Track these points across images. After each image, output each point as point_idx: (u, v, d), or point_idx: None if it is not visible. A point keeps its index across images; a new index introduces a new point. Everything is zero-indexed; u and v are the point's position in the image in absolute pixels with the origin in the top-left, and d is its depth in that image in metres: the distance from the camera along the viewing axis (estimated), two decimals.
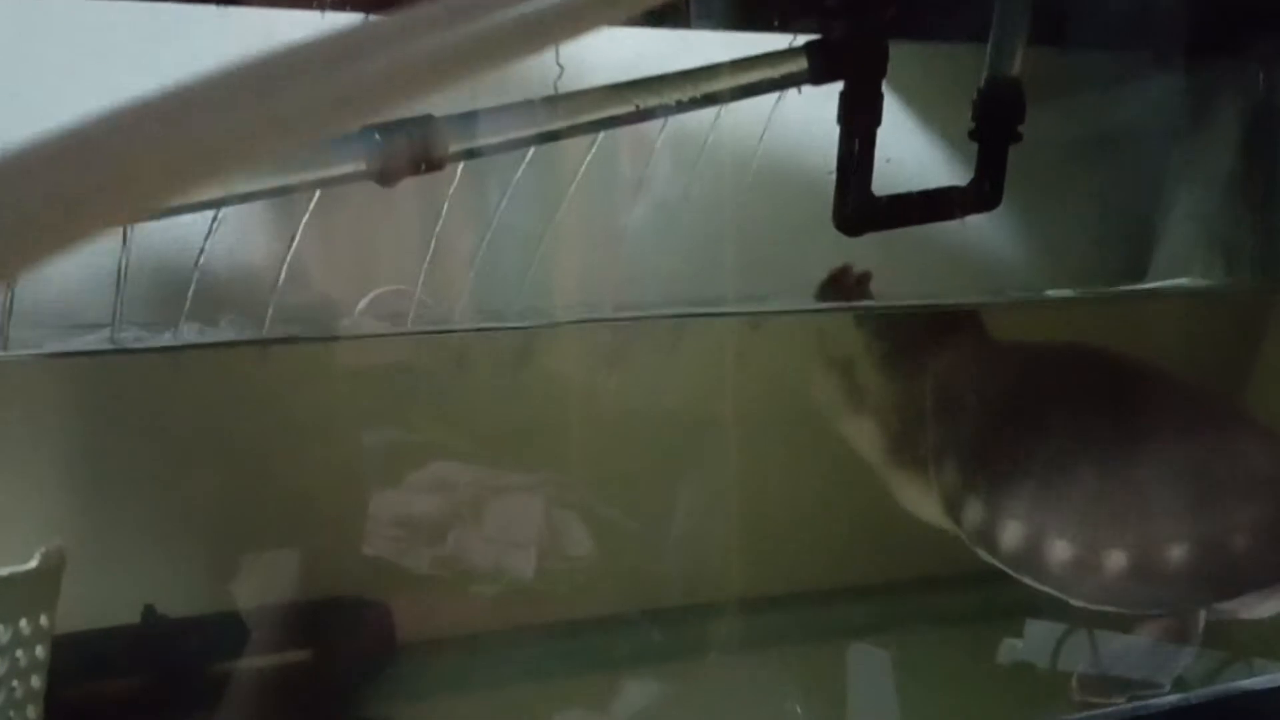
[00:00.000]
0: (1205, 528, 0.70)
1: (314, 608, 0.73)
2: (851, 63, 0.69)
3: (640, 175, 0.73)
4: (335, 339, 0.67)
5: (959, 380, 0.79)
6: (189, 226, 0.60)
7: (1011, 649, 0.82)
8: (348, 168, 0.58)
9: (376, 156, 0.58)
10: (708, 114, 0.70)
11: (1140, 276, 1.01)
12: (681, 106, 0.66)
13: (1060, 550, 0.71)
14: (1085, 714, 0.68)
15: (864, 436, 0.81)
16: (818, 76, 0.69)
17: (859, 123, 0.70)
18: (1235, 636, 0.74)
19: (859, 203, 0.71)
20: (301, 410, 0.72)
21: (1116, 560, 0.70)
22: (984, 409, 0.77)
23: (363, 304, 0.69)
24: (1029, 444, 0.74)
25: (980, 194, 0.74)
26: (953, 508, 0.75)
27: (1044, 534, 0.71)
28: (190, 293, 0.60)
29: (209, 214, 0.60)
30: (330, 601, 0.74)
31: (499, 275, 0.72)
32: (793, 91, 0.72)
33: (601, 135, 0.66)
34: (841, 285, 0.78)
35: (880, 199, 0.72)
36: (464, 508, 0.77)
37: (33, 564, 0.53)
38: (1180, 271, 1.00)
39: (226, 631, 0.71)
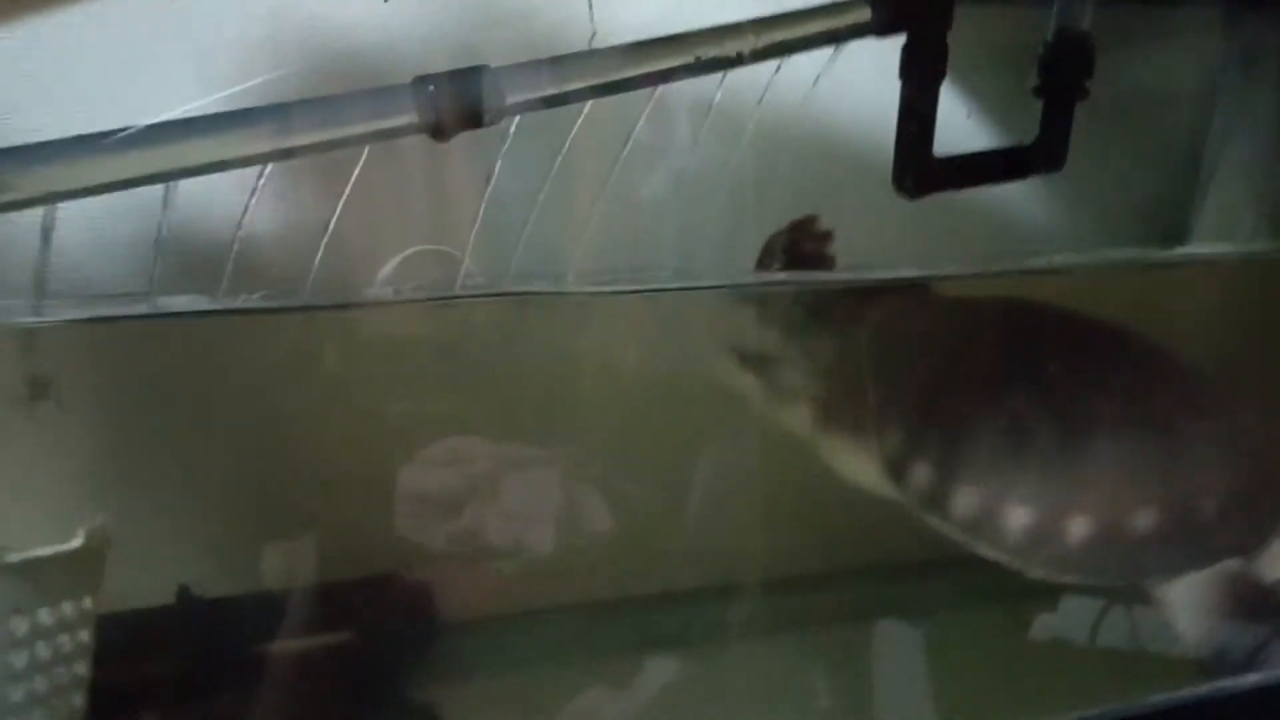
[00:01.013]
0: (1173, 492, 0.67)
1: (353, 587, 0.71)
2: (916, 13, 0.65)
3: (685, 142, 0.72)
4: (379, 304, 0.63)
5: (901, 336, 0.75)
6: (212, 191, 0.58)
7: (1047, 625, 0.79)
8: (398, 120, 0.55)
9: (429, 108, 0.55)
10: (740, 84, 0.67)
11: (1183, 240, 0.99)
12: (742, 59, 0.63)
13: (1019, 516, 0.67)
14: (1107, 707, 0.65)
15: (788, 402, 0.75)
16: (881, 27, 0.65)
17: (922, 77, 0.67)
18: None
19: (920, 163, 0.68)
20: (344, 382, 0.69)
21: (1079, 527, 0.66)
22: (930, 367, 0.73)
23: (390, 265, 0.66)
24: (981, 404, 0.70)
25: (1046, 153, 0.71)
26: (897, 472, 0.70)
27: (1001, 499, 0.67)
28: (231, 259, 0.57)
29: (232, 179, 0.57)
30: (370, 580, 0.72)
31: (540, 242, 0.69)
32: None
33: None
34: (800, 241, 0.73)
35: (942, 159, 0.69)
36: (489, 483, 0.74)
37: (75, 543, 0.50)
38: (1226, 234, 0.98)
39: (264, 612, 0.69)
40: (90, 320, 0.54)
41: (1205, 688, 0.65)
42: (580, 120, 0.66)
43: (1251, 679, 0.65)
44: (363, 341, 0.68)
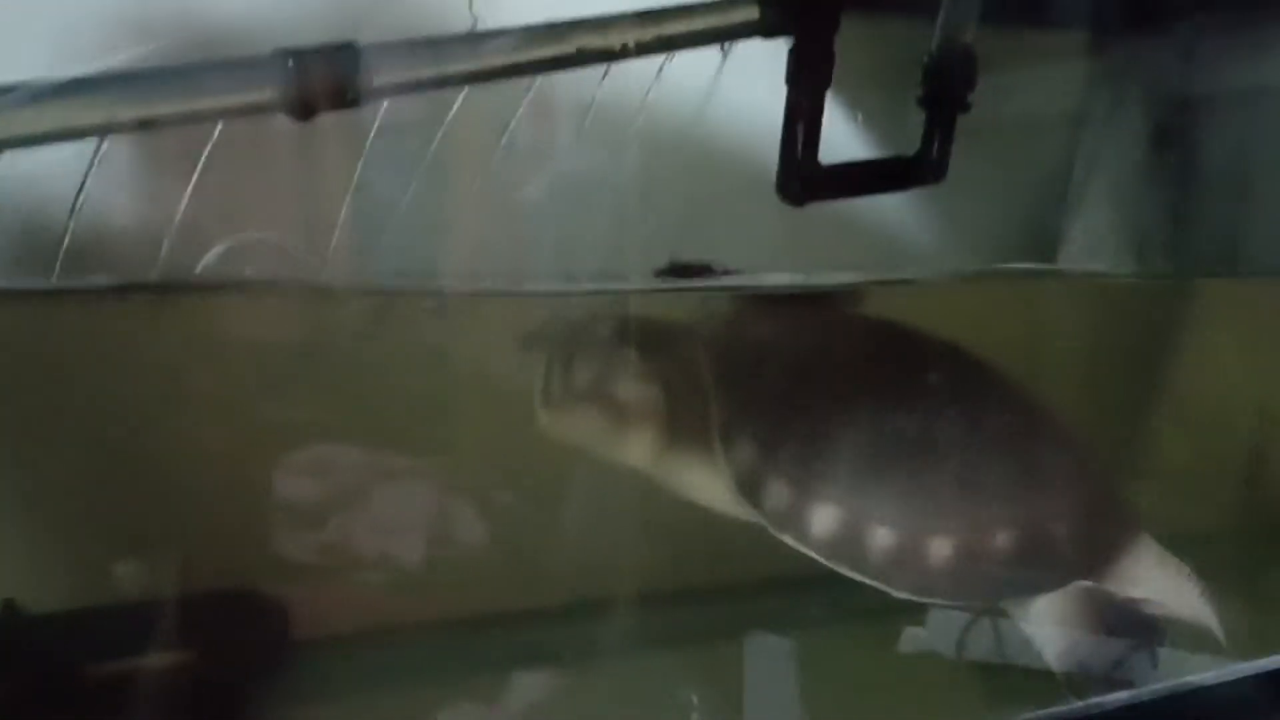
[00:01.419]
0: (1029, 515, 0.66)
1: (200, 602, 0.66)
2: (803, 16, 0.64)
3: (543, 146, 0.71)
4: (225, 289, 0.60)
5: (746, 347, 0.72)
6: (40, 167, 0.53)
7: (914, 638, 0.79)
8: (257, 95, 0.51)
9: (291, 85, 0.51)
10: (622, 87, 0.67)
11: (1052, 261, 1.01)
12: (625, 52, 0.61)
13: (881, 538, 0.66)
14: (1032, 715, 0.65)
15: (615, 418, 0.71)
16: (769, 29, 0.64)
17: (809, 82, 0.66)
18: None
19: (806, 170, 0.67)
20: (189, 377, 0.64)
21: (940, 549, 0.66)
22: (785, 380, 0.70)
23: (214, 252, 0.62)
24: (838, 421, 0.68)
25: (928, 165, 0.71)
26: (750, 491, 0.67)
27: (862, 520, 0.66)
28: (67, 238, 0.52)
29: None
30: (219, 595, 0.67)
31: (409, 243, 0.68)
32: (713, 61, 0.69)
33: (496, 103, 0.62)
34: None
35: (827, 167, 0.68)
36: (349, 493, 0.71)
37: None
38: (1092, 257, 1.00)
39: (99, 629, 0.64)
40: None
41: (1077, 705, 0.65)
42: (453, 114, 0.64)
43: (1121, 696, 0.65)
44: (213, 333, 0.64)
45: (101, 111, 0.48)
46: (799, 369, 0.71)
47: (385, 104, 0.60)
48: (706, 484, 0.69)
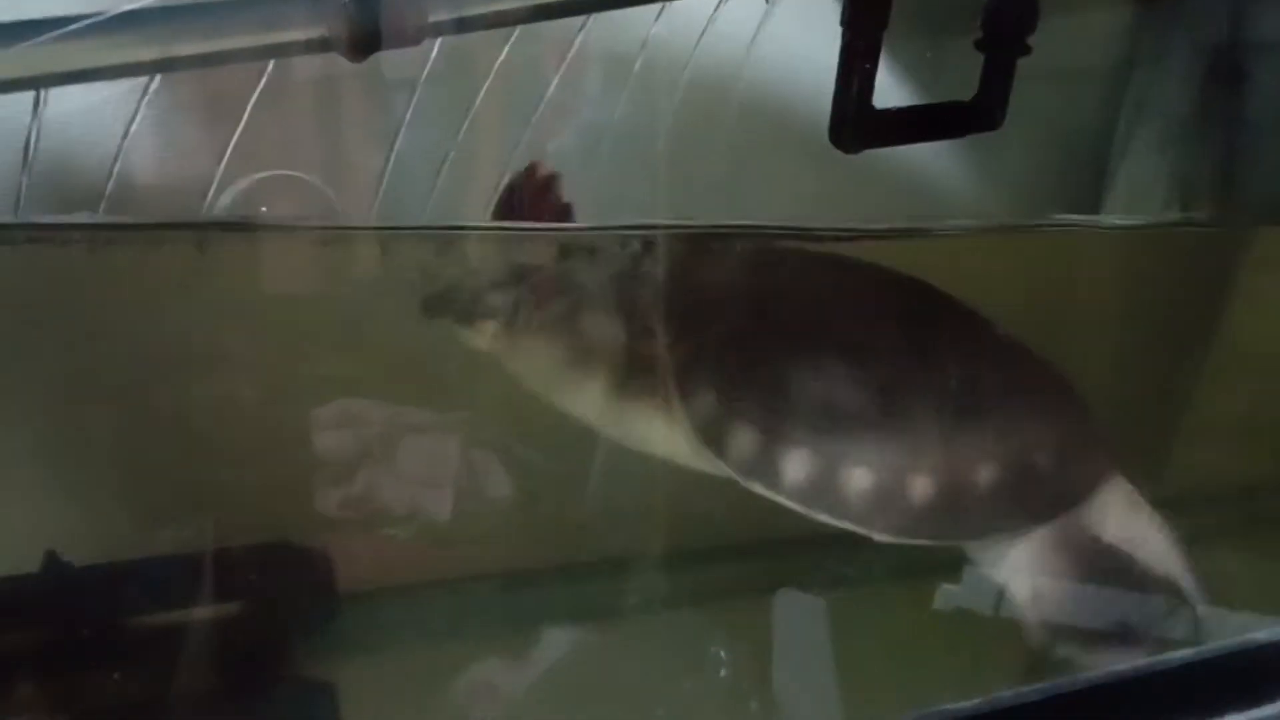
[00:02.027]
0: (1008, 448, 0.65)
1: (245, 554, 0.66)
2: None
3: (567, 96, 0.69)
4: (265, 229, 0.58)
5: (708, 289, 0.69)
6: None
7: (949, 595, 0.78)
8: (309, 33, 0.49)
9: (344, 22, 0.49)
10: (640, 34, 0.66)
11: (1095, 212, 0.99)
12: None
13: (858, 479, 0.63)
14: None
15: (559, 367, 0.67)
16: None
17: (865, 24, 0.63)
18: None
19: (859, 115, 0.65)
20: (234, 323, 0.63)
21: (918, 487, 0.63)
22: (744, 322, 0.67)
23: (238, 187, 0.60)
24: (806, 363, 0.65)
25: (985, 110, 0.68)
26: (712, 439, 0.64)
27: (836, 462, 0.63)
28: (112, 180, 0.51)
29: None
30: (263, 547, 0.67)
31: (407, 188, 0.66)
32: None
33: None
34: (529, 189, 0.67)
35: (882, 113, 0.66)
36: (388, 445, 0.69)
37: None
38: (1137, 208, 0.98)
39: (142, 581, 0.63)
40: None
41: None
42: (500, 60, 0.62)
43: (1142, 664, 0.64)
44: (259, 278, 0.62)
45: (153, 48, 0.46)
46: (758, 310, 0.68)
47: (436, 48, 0.59)
48: (662, 434, 0.66)
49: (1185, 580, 0.66)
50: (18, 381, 0.61)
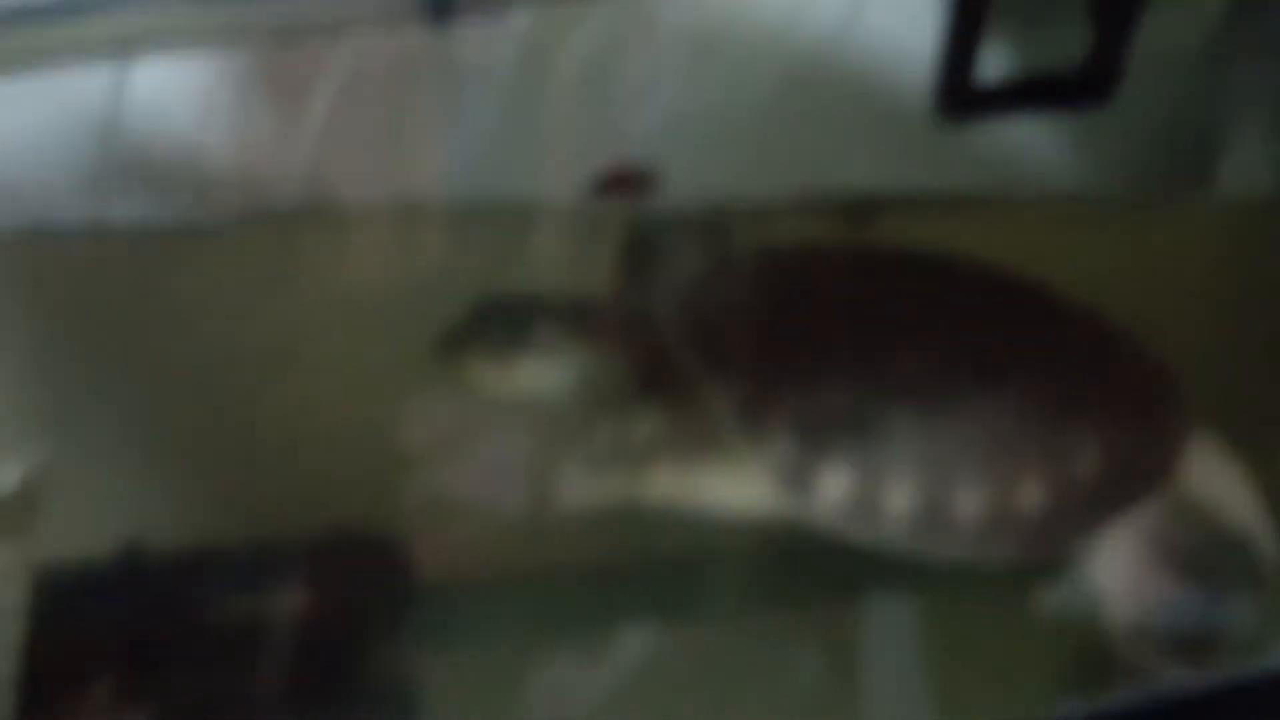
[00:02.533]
0: (1051, 456, 0.61)
1: (321, 544, 0.64)
2: None
3: (650, 76, 0.67)
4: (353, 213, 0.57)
5: (738, 314, 0.63)
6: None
7: (1054, 602, 0.75)
8: None
9: None
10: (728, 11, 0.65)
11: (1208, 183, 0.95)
12: None
13: (968, 505, 0.59)
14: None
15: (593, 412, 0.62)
16: None
17: None
18: None
19: (965, 86, 0.62)
20: (316, 311, 0.62)
21: (1032, 498, 0.60)
22: (800, 344, 0.62)
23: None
24: (895, 384, 0.60)
25: (1096, 81, 0.65)
26: (797, 482, 0.59)
27: (943, 490, 0.59)
28: (191, 168, 0.50)
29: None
30: (339, 537, 0.65)
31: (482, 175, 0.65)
32: None
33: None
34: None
35: (988, 83, 0.63)
36: (467, 436, 0.67)
37: (9, 485, 0.42)
38: (1251, 184, 0.94)
39: (221, 571, 0.62)
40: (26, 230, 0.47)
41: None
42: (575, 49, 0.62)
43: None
44: (342, 264, 0.61)
45: (229, 16, 0.44)
46: (810, 328, 0.62)
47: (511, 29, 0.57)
48: (723, 487, 0.61)
49: (1267, 547, 0.62)
50: (97, 369, 0.60)
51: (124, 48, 0.48)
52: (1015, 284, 0.65)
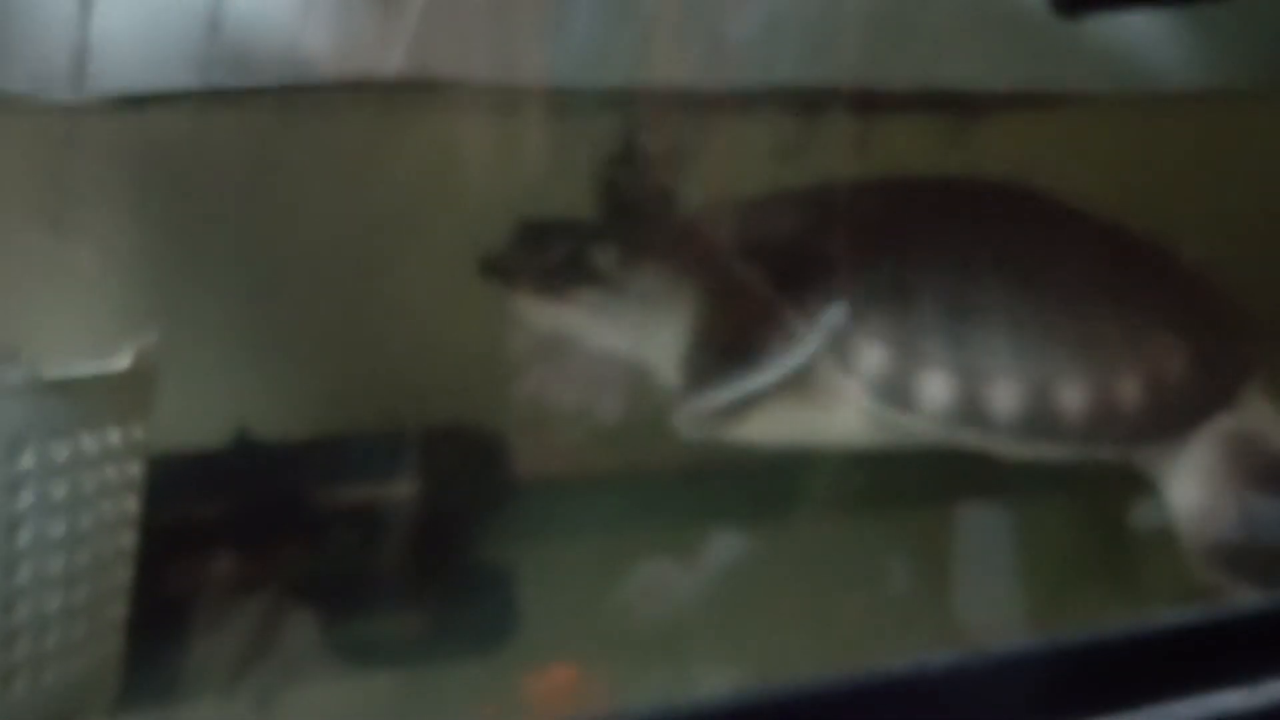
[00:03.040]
0: (1144, 351, 0.61)
1: (425, 435, 0.66)
2: None
3: None
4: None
5: (854, 218, 0.61)
6: None
7: (1147, 514, 0.73)
8: None
9: None
10: None
11: None
12: None
13: (1069, 398, 0.59)
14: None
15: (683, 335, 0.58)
16: None
17: None
18: None
19: None
20: (422, 195, 0.61)
21: (1128, 394, 0.60)
22: (886, 260, 0.60)
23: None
24: (952, 288, 0.60)
25: None
26: (897, 393, 0.58)
27: (1047, 386, 0.59)
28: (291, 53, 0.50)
29: None
30: (443, 429, 0.67)
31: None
32: None
33: None
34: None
35: None
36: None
37: (123, 363, 0.44)
38: None
39: (327, 459, 0.64)
40: (136, 100, 0.47)
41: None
42: None
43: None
44: (452, 146, 0.60)
45: None
46: (890, 243, 0.61)
47: None
48: (829, 410, 0.59)
49: None
50: (207, 253, 0.62)
51: None
52: (1093, 224, 0.65)
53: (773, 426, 0.61)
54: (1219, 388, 0.62)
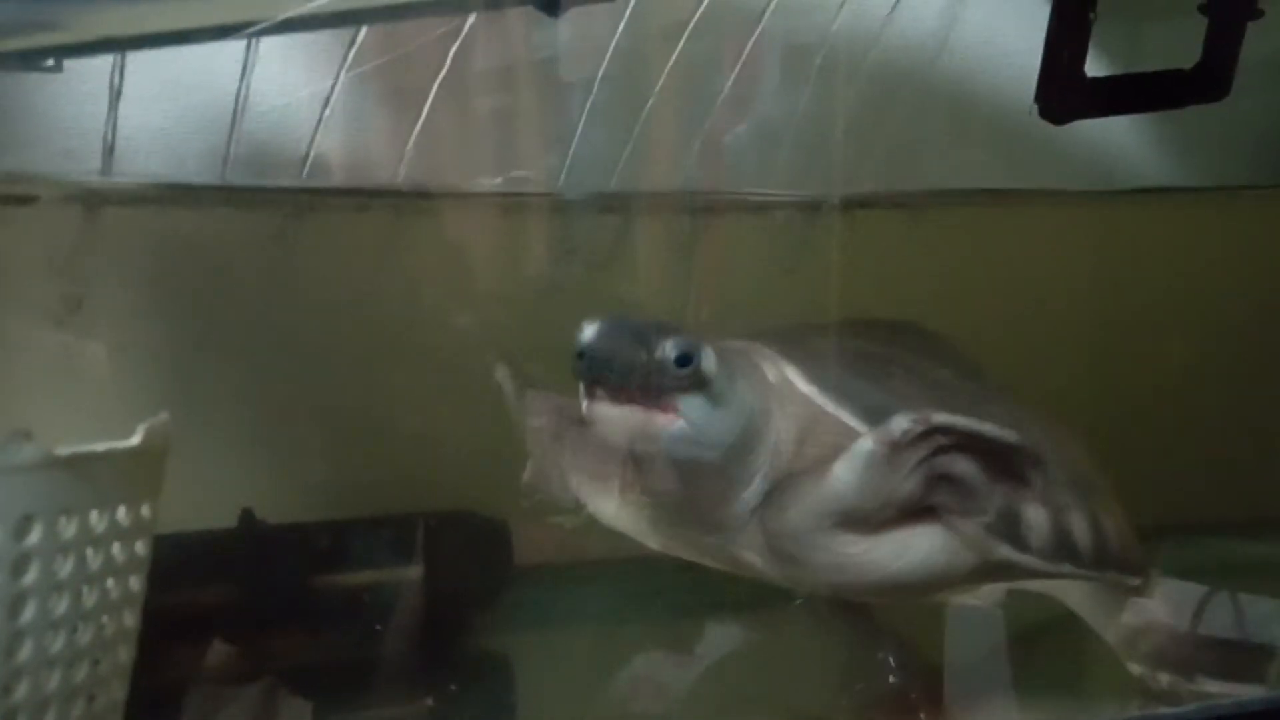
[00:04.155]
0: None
1: (428, 521, 0.66)
2: None
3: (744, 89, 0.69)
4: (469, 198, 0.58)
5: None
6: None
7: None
8: None
9: None
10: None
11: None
12: None
13: (1107, 527, 0.61)
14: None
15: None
16: None
17: None
18: None
19: (1068, 85, 0.61)
20: (429, 295, 0.63)
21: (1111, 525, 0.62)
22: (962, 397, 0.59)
23: None
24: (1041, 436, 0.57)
25: (1209, 79, 0.63)
26: (1013, 535, 0.56)
27: (1098, 518, 0.60)
28: (309, 159, 0.52)
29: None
30: (446, 516, 0.67)
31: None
32: None
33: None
34: None
35: (1094, 81, 0.62)
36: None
37: (133, 441, 0.44)
38: None
39: (330, 542, 0.64)
40: (159, 186, 0.49)
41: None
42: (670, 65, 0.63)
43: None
44: (460, 248, 0.62)
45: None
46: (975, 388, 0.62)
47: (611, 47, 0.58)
48: (953, 559, 0.56)
49: None
50: (218, 344, 0.63)
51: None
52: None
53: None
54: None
